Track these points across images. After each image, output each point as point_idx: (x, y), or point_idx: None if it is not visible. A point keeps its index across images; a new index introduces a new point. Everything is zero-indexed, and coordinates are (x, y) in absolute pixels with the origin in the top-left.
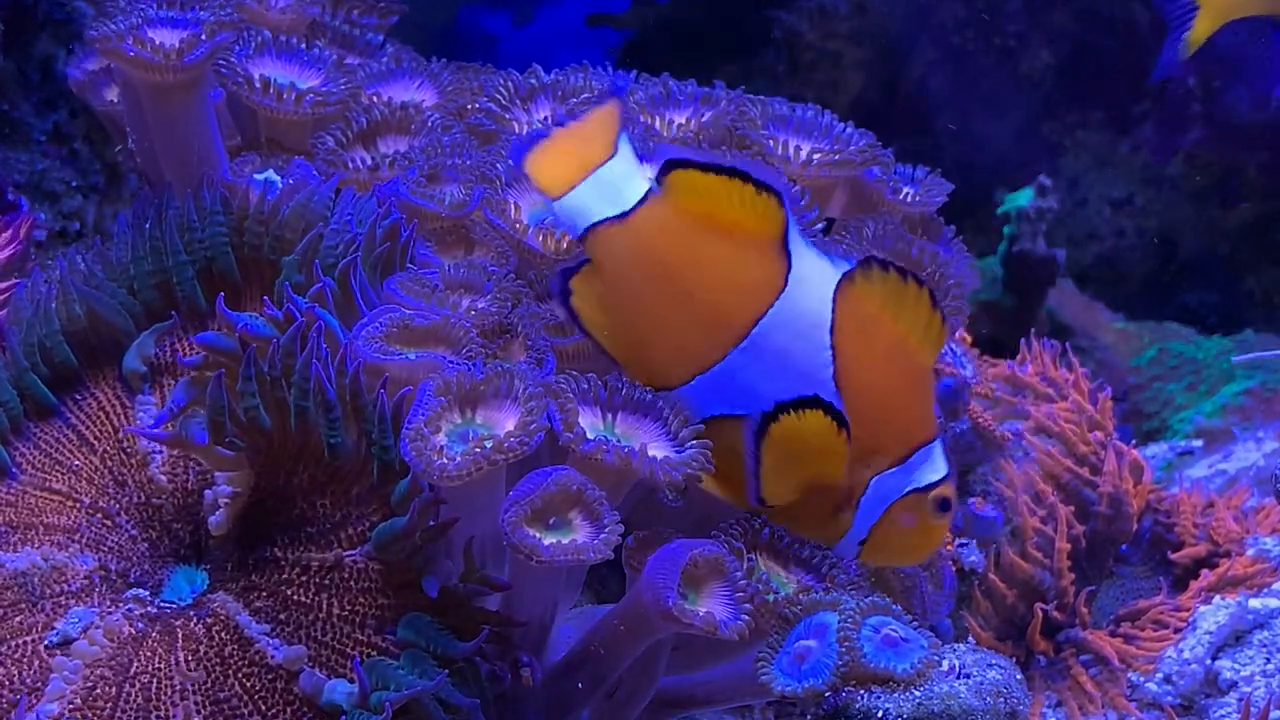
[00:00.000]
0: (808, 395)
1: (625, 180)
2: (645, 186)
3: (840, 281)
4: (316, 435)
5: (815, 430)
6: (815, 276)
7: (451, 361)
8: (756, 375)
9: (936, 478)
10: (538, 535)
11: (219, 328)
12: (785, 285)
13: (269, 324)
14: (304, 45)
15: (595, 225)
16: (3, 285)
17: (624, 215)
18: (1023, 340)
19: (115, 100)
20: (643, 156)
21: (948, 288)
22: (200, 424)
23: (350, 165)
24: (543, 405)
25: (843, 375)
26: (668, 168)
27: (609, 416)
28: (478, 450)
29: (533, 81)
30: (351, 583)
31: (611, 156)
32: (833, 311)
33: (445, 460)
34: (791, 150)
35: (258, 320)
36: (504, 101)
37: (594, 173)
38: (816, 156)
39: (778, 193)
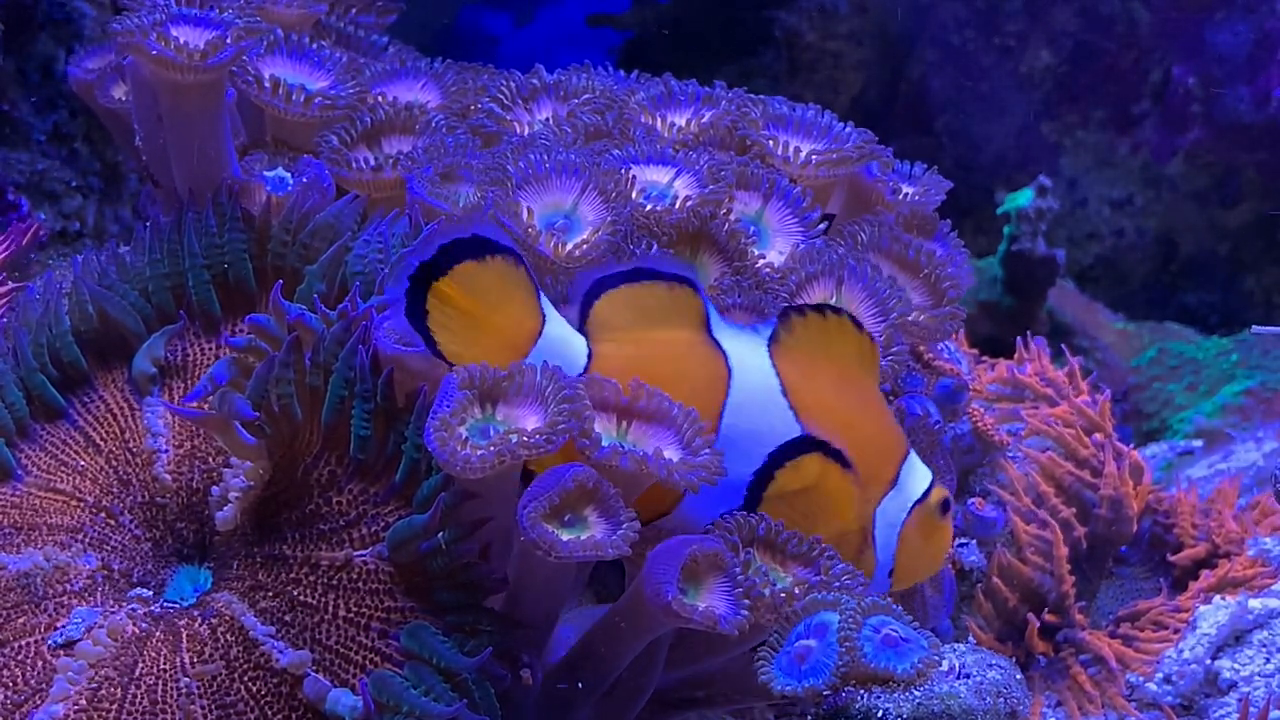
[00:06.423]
0: (797, 439)
1: (565, 343)
2: (582, 341)
3: (769, 345)
4: (346, 428)
5: (816, 475)
6: (749, 350)
7: None
8: (738, 464)
9: (926, 484)
10: (555, 532)
11: (272, 315)
12: (730, 372)
13: (320, 320)
14: (314, 45)
15: None
16: (1, 290)
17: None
18: (1019, 340)
19: (124, 97)
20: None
21: (944, 288)
22: (243, 399)
23: (354, 165)
24: (574, 409)
25: (811, 427)
26: (587, 304)
27: (623, 424)
28: (503, 445)
29: (535, 82)
30: (360, 583)
31: (543, 323)
32: (777, 374)
33: (470, 452)
34: (791, 150)
35: (310, 313)
36: (506, 102)
37: (535, 347)
38: (815, 157)
39: (688, 281)
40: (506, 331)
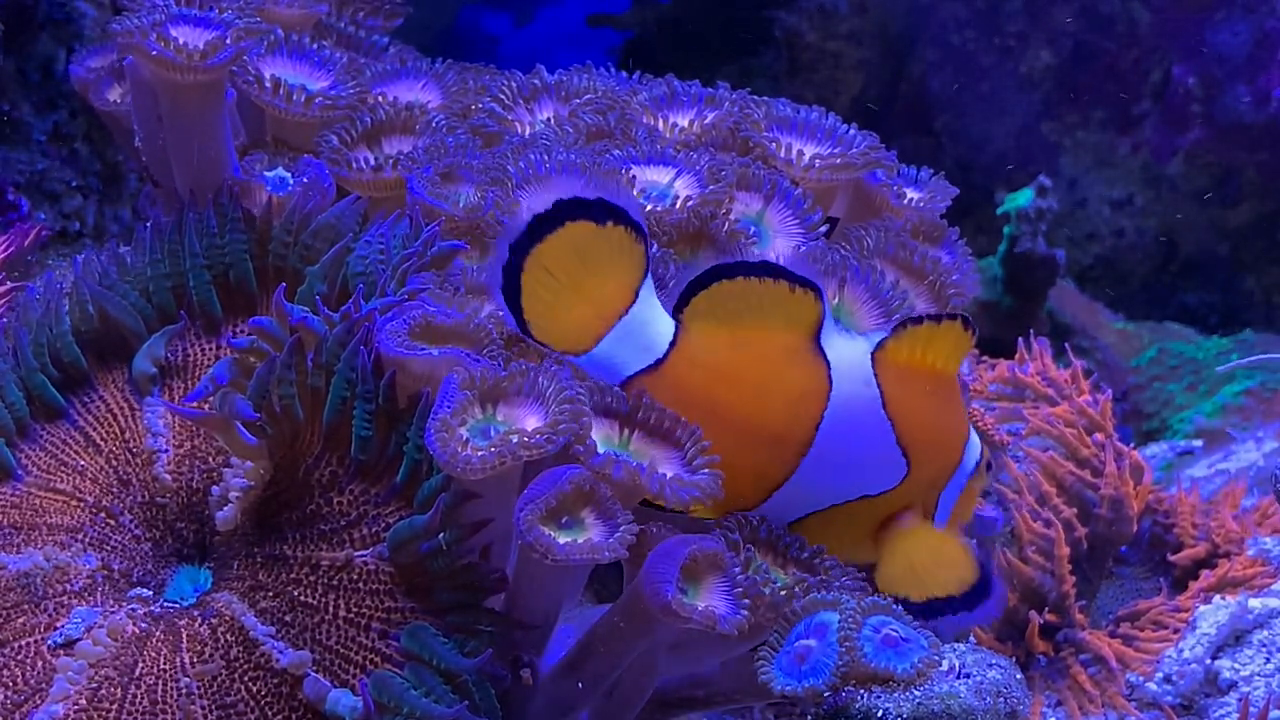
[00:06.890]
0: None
1: (650, 325)
2: (670, 325)
3: (874, 352)
4: (348, 428)
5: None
6: (852, 361)
7: (472, 358)
8: (829, 472)
9: (977, 453)
10: (552, 534)
11: (275, 317)
12: (830, 385)
13: (323, 321)
14: (315, 46)
15: (629, 379)
16: (1, 290)
17: (659, 363)
18: (1020, 340)
19: (119, 100)
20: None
21: (948, 295)
22: (244, 399)
23: (354, 165)
24: (576, 410)
25: (902, 435)
26: (692, 289)
27: (625, 432)
28: (503, 445)
29: (536, 82)
30: (360, 584)
31: (633, 303)
32: (878, 385)
33: (470, 453)
34: (795, 153)
35: (313, 316)
36: (507, 102)
37: (618, 322)
38: (819, 161)
39: (813, 286)
40: (596, 302)
